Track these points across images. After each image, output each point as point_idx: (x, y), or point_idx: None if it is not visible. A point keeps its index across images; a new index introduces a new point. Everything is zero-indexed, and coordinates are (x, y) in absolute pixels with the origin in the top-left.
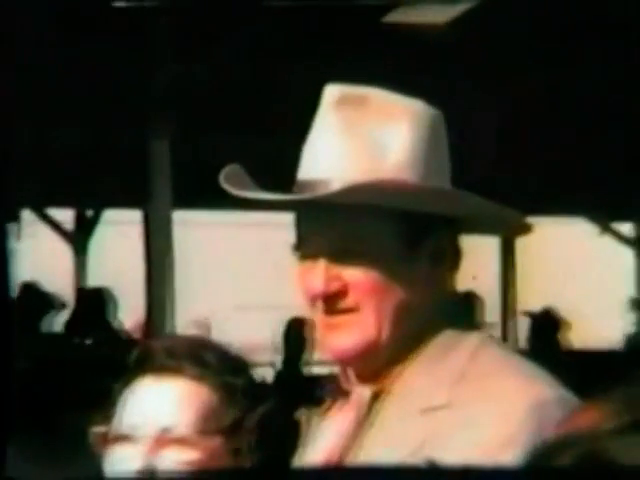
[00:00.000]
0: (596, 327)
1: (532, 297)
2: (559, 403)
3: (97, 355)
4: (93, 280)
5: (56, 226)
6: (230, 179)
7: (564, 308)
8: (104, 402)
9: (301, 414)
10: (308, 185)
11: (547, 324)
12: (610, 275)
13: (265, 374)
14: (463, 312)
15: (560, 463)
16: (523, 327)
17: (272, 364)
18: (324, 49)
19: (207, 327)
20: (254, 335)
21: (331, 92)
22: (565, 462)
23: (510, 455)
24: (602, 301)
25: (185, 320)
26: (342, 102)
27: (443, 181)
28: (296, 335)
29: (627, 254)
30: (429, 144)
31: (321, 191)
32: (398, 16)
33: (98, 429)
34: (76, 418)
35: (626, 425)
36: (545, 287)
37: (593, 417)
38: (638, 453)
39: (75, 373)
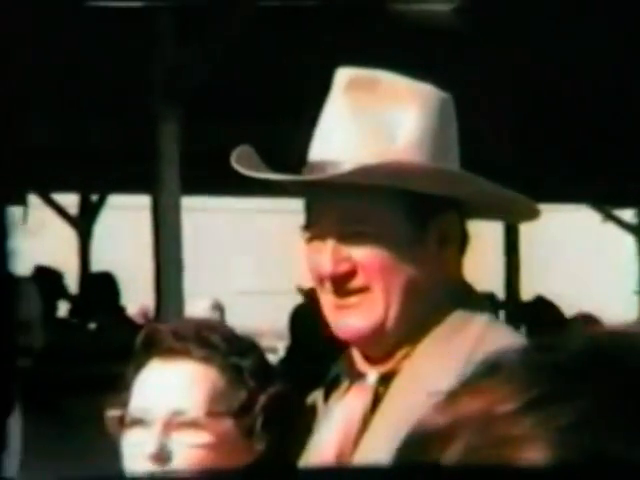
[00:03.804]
0: (597, 315)
1: (535, 284)
2: None
3: (102, 341)
4: (97, 265)
5: (61, 210)
6: (241, 160)
7: (566, 296)
8: (108, 387)
9: (312, 397)
10: (318, 166)
11: (538, 313)
12: (612, 263)
13: (271, 360)
14: (471, 296)
15: (446, 456)
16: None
17: (275, 350)
18: (329, 37)
19: (221, 309)
20: (259, 321)
21: (342, 75)
22: (453, 456)
23: None
24: (604, 289)
25: (191, 306)
26: (353, 85)
27: (452, 164)
28: (303, 321)
29: (629, 241)
30: (438, 127)
31: (331, 172)
32: (404, 4)
33: (113, 413)
34: (81, 403)
35: (526, 405)
36: (548, 274)
37: (484, 400)
38: (542, 435)
39: (79, 359)
